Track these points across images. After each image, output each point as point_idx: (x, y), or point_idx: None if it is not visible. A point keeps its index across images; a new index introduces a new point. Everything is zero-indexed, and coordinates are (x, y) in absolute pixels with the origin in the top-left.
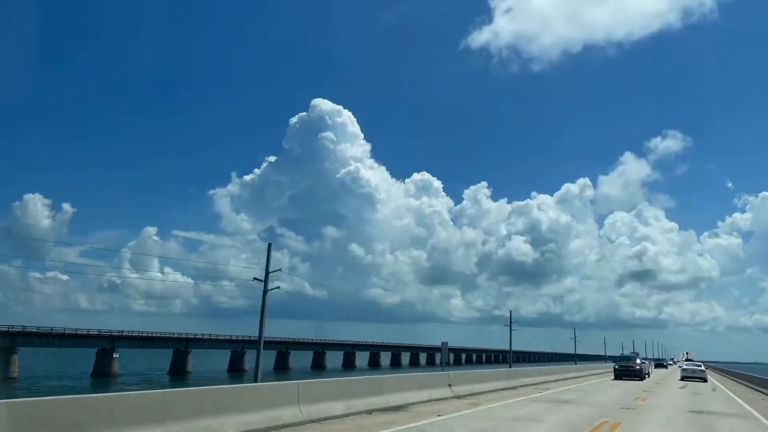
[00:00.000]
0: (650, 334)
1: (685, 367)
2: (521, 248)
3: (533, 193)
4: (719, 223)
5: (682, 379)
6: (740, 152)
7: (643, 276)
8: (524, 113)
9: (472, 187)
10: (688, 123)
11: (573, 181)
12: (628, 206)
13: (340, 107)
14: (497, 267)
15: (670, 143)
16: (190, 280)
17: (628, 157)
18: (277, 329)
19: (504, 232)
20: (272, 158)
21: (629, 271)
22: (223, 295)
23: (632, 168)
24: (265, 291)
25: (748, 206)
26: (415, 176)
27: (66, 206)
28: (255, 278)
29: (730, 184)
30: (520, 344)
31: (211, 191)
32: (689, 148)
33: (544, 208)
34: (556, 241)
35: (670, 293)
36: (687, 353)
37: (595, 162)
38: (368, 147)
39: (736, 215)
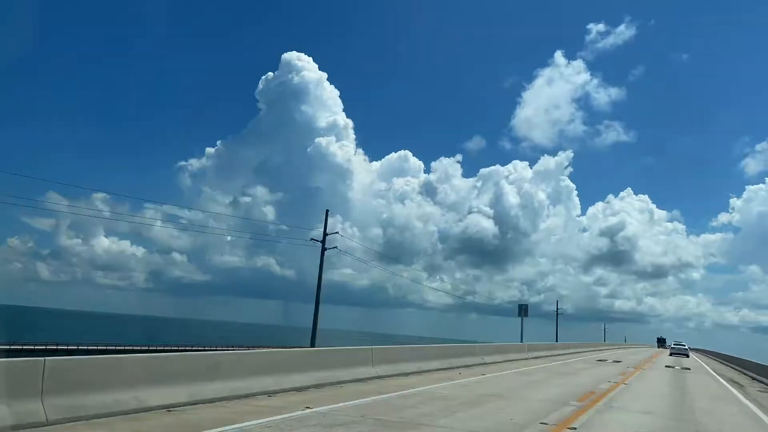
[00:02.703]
0: (633, 329)
1: (673, 345)
2: (487, 228)
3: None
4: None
5: (671, 354)
6: None
7: (619, 262)
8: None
9: (444, 160)
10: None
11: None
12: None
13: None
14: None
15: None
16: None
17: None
18: (239, 310)
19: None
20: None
21: (602, 255)
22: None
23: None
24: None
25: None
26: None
27: None
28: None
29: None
30: (491, 337)
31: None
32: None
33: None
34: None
35: (656, 286)
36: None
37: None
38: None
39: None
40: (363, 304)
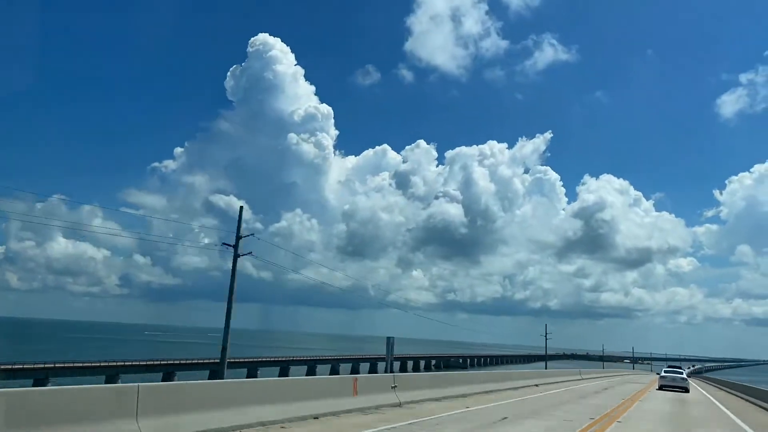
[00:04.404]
0: (621, 326)
1: (664, 374)
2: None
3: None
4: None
5: (661, 388)
6: None
7: (603, 252)
8: None
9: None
10: None
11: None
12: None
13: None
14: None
15: None
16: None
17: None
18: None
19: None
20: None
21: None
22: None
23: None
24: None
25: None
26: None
27: None
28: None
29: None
30: (477, 337)
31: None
32: None
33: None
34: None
35: (648, 280)
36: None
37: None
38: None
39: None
40: (342, 305)
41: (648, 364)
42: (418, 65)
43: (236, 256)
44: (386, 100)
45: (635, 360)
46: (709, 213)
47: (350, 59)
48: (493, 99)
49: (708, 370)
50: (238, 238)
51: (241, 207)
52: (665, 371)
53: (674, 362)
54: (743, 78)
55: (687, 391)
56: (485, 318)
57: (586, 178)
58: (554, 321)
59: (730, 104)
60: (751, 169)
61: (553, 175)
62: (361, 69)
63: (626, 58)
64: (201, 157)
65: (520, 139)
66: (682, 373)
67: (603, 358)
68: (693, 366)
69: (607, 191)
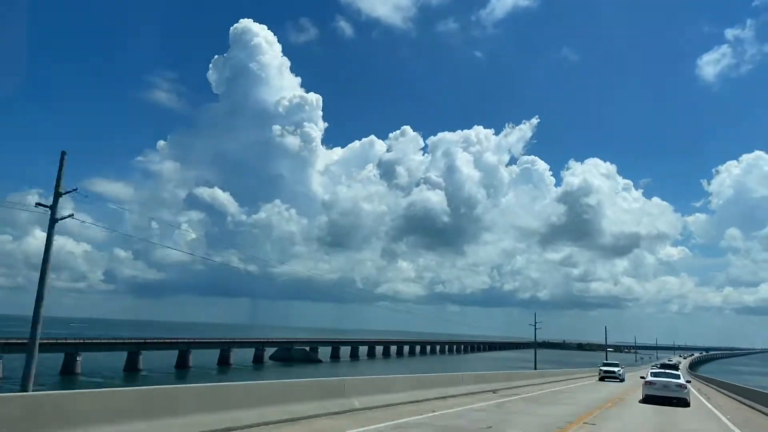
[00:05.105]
0: (613, 316)
1: (651, 377)
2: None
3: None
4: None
5: (646, 400)
6: None
7: (593, 241)
8: None
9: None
10: None
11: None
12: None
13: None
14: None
15: None
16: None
17: None
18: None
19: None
20: None
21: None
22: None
23: None
24: (53, 221)
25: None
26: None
27: None
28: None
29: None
30: (468, 330)
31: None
32: None
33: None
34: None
35: (638, 269)
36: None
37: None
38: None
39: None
40: (331, 299)
41: (633, 353)
42: (358, 19)
43: (54, 220)
44: (325, 60)
45: (621, 349)
46: (698, 204)
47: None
48: (447, 57)
49: (703, 360)
50: (58, 195)
51: (63, 153)
52: (653, 373)
53: (666, 351)
54: (729, 34)
55: (686, 404)
56: (476, 310)
57: (571, 162)
58: (545, 312)
59: (711, 65)
60: (739, 158)
61: (541, 165)
62: (294, 23)
63: (593, 3)
64: (183, 149)
65: (507, 126)
66: (678, 377)
67: (582, 347)
68: (690, 355)
69: (594, 175)
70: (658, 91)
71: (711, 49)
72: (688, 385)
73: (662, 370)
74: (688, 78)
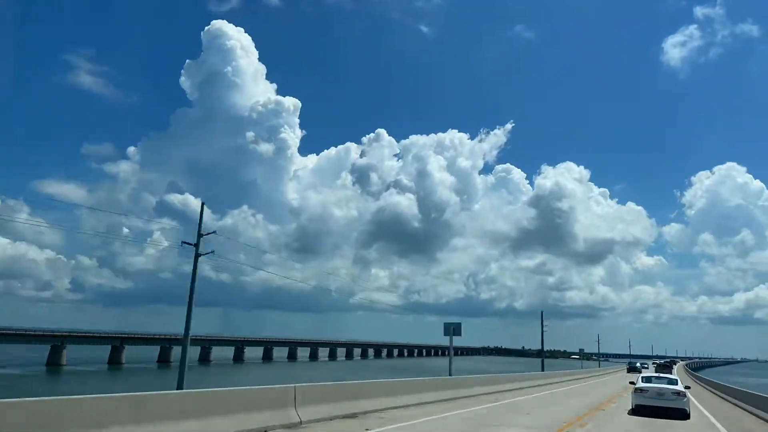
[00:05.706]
0: (588, 326)
1: (643, 383)
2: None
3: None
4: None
5: (636, 411)
6: None
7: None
8: None
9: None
10: None
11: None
12: None
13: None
14: None
15: None
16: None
17: None
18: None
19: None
20: None
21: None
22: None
23: None
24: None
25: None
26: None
27: None
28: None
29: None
30: (445, 340)
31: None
32: None
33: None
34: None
35: (613, 278)
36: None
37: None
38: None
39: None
40: (308, 309)
41: (598, 360)
42: None
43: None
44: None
45: (583, 356)
46: (673, 214)
47: None
48: (389, 36)
49: (692, 367)
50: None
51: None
52: (645, 378)
53: (639, 360)
54: (699, 12)
55: (686, 416)
56: (454, 320)
57: (544, 167)
58: (522, 322)
59: (677, 49)
60: (713, 169)
61: (516, 172)
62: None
63: None
64: (156, 155)
65: (481, 132)
66: (676, 382)
67: (542, 354)
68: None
69: (567, 179)
70: (626, 84)
71: (677, 31)
72: (688, 392)
73: (655, 375)
74: (654, 65)
